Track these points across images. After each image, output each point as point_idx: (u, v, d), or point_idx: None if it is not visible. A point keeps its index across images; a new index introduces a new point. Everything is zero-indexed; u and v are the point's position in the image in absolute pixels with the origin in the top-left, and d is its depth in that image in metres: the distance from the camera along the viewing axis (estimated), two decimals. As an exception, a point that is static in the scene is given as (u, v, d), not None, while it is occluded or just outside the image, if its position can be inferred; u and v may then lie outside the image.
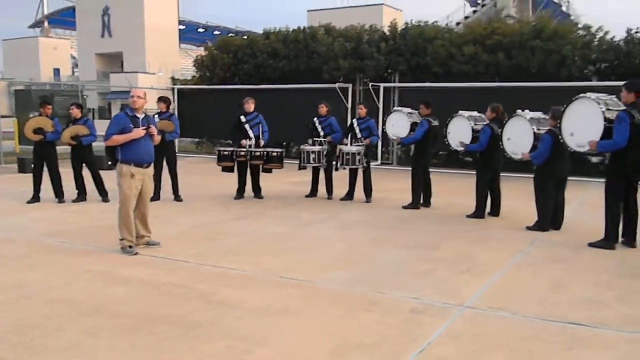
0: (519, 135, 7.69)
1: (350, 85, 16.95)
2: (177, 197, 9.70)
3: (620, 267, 5.85)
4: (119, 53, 40.38)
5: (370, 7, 38.59)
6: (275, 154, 9.72)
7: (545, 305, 4.66)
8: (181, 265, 5.76)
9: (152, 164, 6.41)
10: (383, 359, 3.63)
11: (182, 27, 52.08)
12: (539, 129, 7.55)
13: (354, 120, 9.87)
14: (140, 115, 6.27)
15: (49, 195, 9.43)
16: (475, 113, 8.84)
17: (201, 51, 62.59)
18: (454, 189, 11.34)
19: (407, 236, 7.19)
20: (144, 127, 6.20)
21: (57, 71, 42.98)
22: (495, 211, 8.49)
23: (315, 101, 16.56)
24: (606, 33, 15.11)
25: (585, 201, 9.93)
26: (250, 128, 9.81)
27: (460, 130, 8.60)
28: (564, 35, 14.96)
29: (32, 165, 9.86)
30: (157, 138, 6.40)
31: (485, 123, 8.34)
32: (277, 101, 16.57)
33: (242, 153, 9.57)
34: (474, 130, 8.42)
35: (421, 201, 9.23)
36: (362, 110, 9.82)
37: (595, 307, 4.64)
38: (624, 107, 6.55)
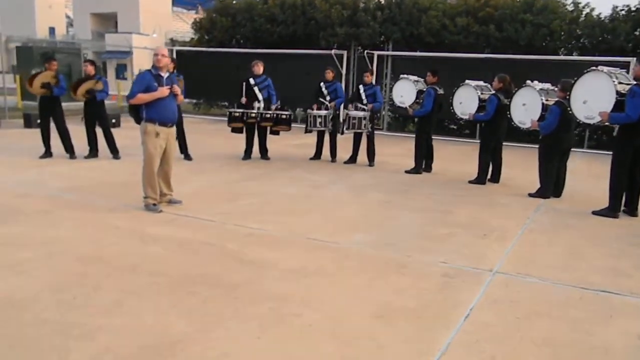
0: (528, 105, 7.44)
1: (345, 52, 16.49)
2: (187, 156, 9.33)
3: (628, 236, 5.70)
4: (113, 13, 38.80)
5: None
6: (284, 116, 9.37)
7: (569, 272, 4.50)
8: (206, 224, 5.47)
9: (175, 124, 6.03)
10: (431, 324, 3.42)
11: (174, -10, 50.31)
12: (547, 100, 7.31)
13: (361, 86, 9.52)
14: (165, 74, 5.86)
15: (59, 151, 8.98)
16: (481, 82, 8.56)
17: (193, 14, 60.85)
18: (449, 155, 11.14)
19: (418, 200, 6.97)
20: (169, 86, 5.80)
21: (52, 30, 41.25)
22: (496, 178, 8.30)
23: (311, 66, 16.30)
24: (592, 10, 14.84)
25: (574, 170, 9.78)
26: (260, 90, 9.41)
27: (467, 99, 8.32)
28: (553, 9, 14.64)
29: (38, 121, 9.36)
30: (181, 97, 6.02)
31: (492, 93, 8.07)
32: (273, 65, 16.06)
33: (253, 115, 9.20)
34: (480, 100, 8.15)
35: (422, 166, 9.00)
36: (368, 77, 9.49)
37: (617, 275, 4.48)
38: (634, 82, 6.34)
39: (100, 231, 5.07)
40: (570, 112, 6.78)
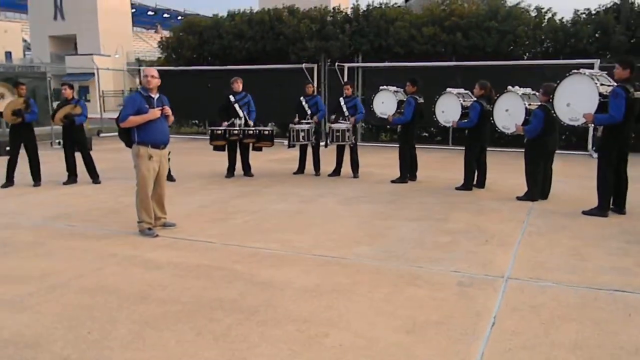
0: (512, 110, 7.55)
1: (315, 66, 16.52)
2: (170, 177, 9.12)
3: (622, 234, 5.79)
4: (72, 35, 38.11)
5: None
6: (267, 132, 9.28)
7: (578, 274, 4.53)
8: (207, 246, 5.33)
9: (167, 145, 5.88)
10: (461, 335, 3.37)
11: (132, 10, 49.77)
12: (529, 104, 7.43)
13: (341, 99, 9.51)
14: (155, 95, 5.72)
15: (23, 179, 8.67)
16: (462, 90, 8.66)
17: (152, 33, 60.16)
18: (429, 163, 11.19)
19: (411, 209, 6.96)
20: (160, 108, 5.66)
21: (8, 54, 40.22)
22: (482, 183, 8.38)
23: (281, 81, 16.27)
24: (554, 14, 15.25)
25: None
26: (240, 107, 9.32)
27: (449, 107, 8.40)
28: (517, 16, 14.99)
29: (8, 148, 9.02)
30: (171, 118, 5.87)
31: (473, 99, 8.16)
32: (243, 81, 15.97)
33: (235, 132, 9.08)
34: (463, 107, 8.23)
35: (408, 175, 9.02)
36: (348, 90, 9.49)
37: (624, 274, 4.53)
38: (615, 83, 6.50)
39: (98, 260, 4.88)
40: (555, 115, 6.90)
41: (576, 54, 14.24)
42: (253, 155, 9.73)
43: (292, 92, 15.74)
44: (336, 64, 15.99)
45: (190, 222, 6.27)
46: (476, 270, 4.59)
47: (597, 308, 3.81)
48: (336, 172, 9.65)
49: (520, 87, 7.73)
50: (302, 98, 9.80)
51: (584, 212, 6.64)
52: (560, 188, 8.16)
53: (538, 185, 7.40)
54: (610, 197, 6.59)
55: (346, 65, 16.06)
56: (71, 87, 8.90)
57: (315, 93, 9.98)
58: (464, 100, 8.30)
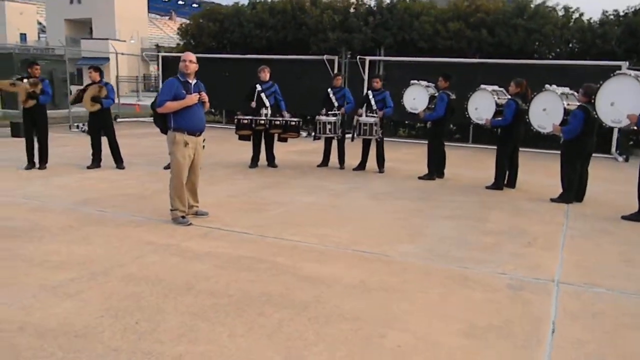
0: (549, 110, 7.37)
1: (336, 58, 16.33)
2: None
3: (667, 240, 5.65)
4: (88, 19, 37.99)
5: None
6: (293, 123, 9.14)
7: (633, 281, 4.37)
8: (243, 237, 5.20)
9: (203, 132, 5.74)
10: (523, 341, 3.23)
11: (147, -4, 49.63)
12: (568, 104, 7.25)
13: (369, 92, 9.34)
14: (192, 81, 5.58)
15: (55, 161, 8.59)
16: (496, 87, 8.48)
17: (166, 20, 60.01)
18: (453, 160, 10.98)
19: (444, 207, 6.81)
20: (197, 93, 5.53)
21: (23, 36, 40.14)
22: (512, 183, 8.21)
23: (302, 72, 16.10)
24: (581, 15, 15.00)
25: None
26: (267, 97, 9.17)
27: (483, 104, 8.22)
28: (544, 14, 14.75)
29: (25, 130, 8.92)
30: (208, 104, 5.74)
31: (509, 97, 7.98)
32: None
33: (262, 121, 8.94)
34: (497, 105, 8.05)
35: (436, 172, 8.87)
36: (377, 83, 9.30)
37: (679, 282, 4.38)
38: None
39: (135, 247, 4.76)
40: (596, 116, 6.73)
41: (603, 55, 14.00)
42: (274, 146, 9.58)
43: (311, 83, 15.65)
44: (357, 57, 15.79)
45: (222, 211, 6.15)
46: (525, 273, 4.44)
47: (659, 318, 3.67)
48: (361, 166, 9.50)
49: (555, 86, 7.55)
50: (329, 90, 9.63)
51: (624, 217, 6.48)
52: (593, 191, 7.96)
53: (573, 188, 7.23)
54: (652, 202, 6.41)
55: (367, 58, 15.84)
56: (97, 69, 8.76)
57: (342, 85, 9.77)
58: (498, 98, 8.13)
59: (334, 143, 9.66)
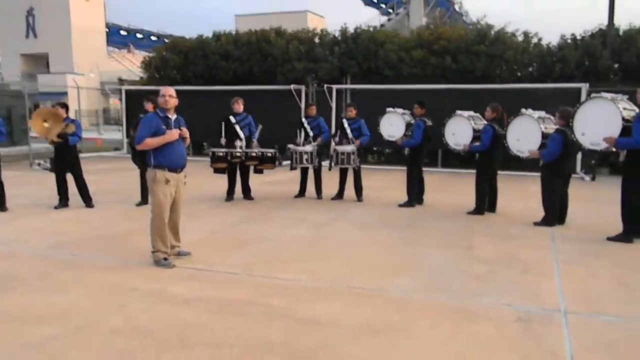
0: (526, 134, 7.39)
1: (303, 87, 16.30)
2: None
3: (656, 260, 5.63)
4: (44, 54, 37.13)
5: (296, 14, 37.75)
6: (269, 154, 8.93)
7: (634, 306, 4.29)
8: (232, 278, 4.92)
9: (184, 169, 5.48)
10: (547, 381, 3.07)
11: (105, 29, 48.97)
12: (545, 128, 7.29)
13: (344, 121, 9.23)
14: (172, 116, 5.34)
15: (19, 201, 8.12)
16: (472, 112, 8.49)
17: (124, 53, 59.31)
18: (427, 185, 10.98)
19: (431, 236, 6.68)
20: (177, 129, 5.28)
21: (-22, 72, 38.96)
22: (492, 208, 8.17)
23: (270, 102, 15.96)
24: (540, 39, 15.40)
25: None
26: (241, 129, 8.96)
27: (460, 130, 8.20)
28: (504, 40, 15.07)
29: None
30: (188, 140, 5.49)
31: (485, 123, 7.99)
32: (228, 102, 15.69)
33: (238, 154, 8.71)
34: (474, 130, 8.05)
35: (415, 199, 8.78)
36: (351, 112, 9.20)
37: (680, 304, 4.32)
38: (636, 108, 6.42)
39: (118, 295, 4.43)
40: (575, 139, 6.76)
41: (563, 78, 14.37)
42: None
43: (280, 113, 15.53)
44: (325, 85, 15.78)
45: (205, 249, 5.85)
46: (529, 303, 4.31)
47: (674, 345, 3.57)
48: (339, 195, 9.34)
49: (531, 110, 7.59)
50: (303, 119, 9.50)
51: (609, 239, 6.47)
52: (571, 212, 7.93)
53: (556, 211, 7.22)
54: (636, 222, 6.42)
55: (334, 87, 15.85)
56: (64, 105, 8.39)
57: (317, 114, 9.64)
58: (474, 124, 8.13)
59: (311, 173, 9.49)
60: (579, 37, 14.97)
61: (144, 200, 8.58)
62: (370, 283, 4.78)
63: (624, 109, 6.39)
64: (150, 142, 5.11)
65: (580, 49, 14.58)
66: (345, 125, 9.16)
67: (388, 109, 9.18)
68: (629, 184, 6.39)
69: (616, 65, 14.58)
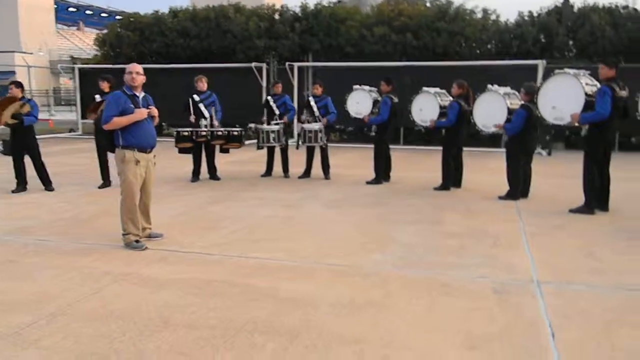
0: (492, 110, 7.50)
1: (264, 65, 16.11)
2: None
3: (618, 231, 5.82)
4: (-11, 31, 35.43)
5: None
6: (236, 133, 8.81)
7: (602, 275, 4.45)
8: (207, 259, 4.85)
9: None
10: (527, 349, 3.15)
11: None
12: (511, 104, 7.42)
13: (311, 99, 9.18)
14: (140, 94, 5.17)
15: None
16: (438, 89, 8.55)
17: (74, 30, 57.15)
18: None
19: (402, 212, 6.75)
20: (146, 107, 5.13)
21: None
22: (458, 183, 8.31)
23: (230, 80, 15.70)
24: (498, 16, 15.63)
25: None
26: (205, 107, 8.80)
27: (427, 107, 8.27)
28: (464, 17, 15.22)
29: None
30: (157, 119, 5.34)
31: (451, 99, 8.07)
32: (188, 81, 15.39)
33: (203, 133, 8.55)
34: (441, 107, 8.12)
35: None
36: (318, 90, 9.15)
37: (643, 272, 4.51)
38: (597, 83, 6.60)
39: (90, 279, 4.31)
40: (539, 114, 6.91)
41: (521, 54, 14.65)
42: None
43: (240, 91, 15.31)
44: (286, 63, 15.62)
45: (176, 231, 5.75)
46: (502, 275, 4.42)
47: (637, 311, 3.72)
48: (306, 173, 9.32)
49: (497, 86, 7.71)
50: (269, 97, 9.40)
51: (571, 210, 6.67)
52: (532, 186, 8.16)
53: (519, 185, 7.40)
54: (596, 194, 6.63)
55: (296, 64, 15.72)
56: (19, 84, 8.02)
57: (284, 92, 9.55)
58: (441, 100, 8.20)
59: (277, 151, 9.42)
60: (535, 14, 15.25)
61: (105, 182, 8.37)
62: (346, 260, 4.80)
63: (586, 84, 6.56)
64: (119, 121, 4.95)
65: (537, 26, 14.87)
66: (312, 103, 9.11)
67: (355, 86, 9.16)
68: (590, 157, 6.58)
69: (571, 42, 14.96)
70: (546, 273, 4.48)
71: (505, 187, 7.56)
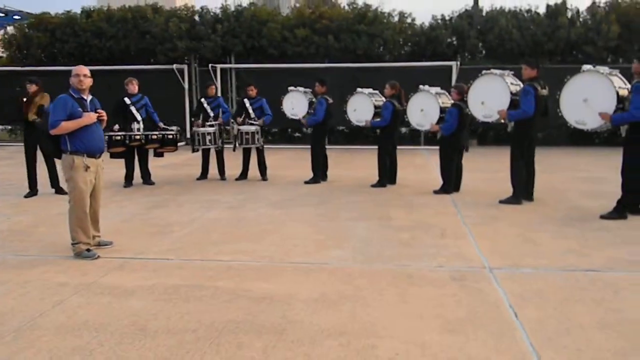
0: (426, 109, 7.85)
1: (185, 67, 15.80)
2: (60, 190, 8.02)
3: (548, 219, 6.31)
4: None
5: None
6: (171, 136, 8.60)
7: (545, 258, 4.81)
8: (166, 265, 4.75)
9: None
10: (497, 329, 3.38)
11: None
12: (443, 102, 7.79)
13: (246, 100, 9.14)
14: (88, 97, 4.96)
15: None
16: (371, 90, 8.80)
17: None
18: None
19: (347, 209, 6.91)
20: (94, 111, 4.93)
21: None
22: (393, 180, 8.61)
23: (150, 82, 15.20)
24: (414, 20, 16.23)
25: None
26: (137, 110, 8.53)
27: (361, 107, 8.49)
28: (382, 20, 15.68)
29: None
30: (105, 123, 5.14)
31: (385, 99, 8.34)
32: (105, 82, 14.79)
33: (137, 137, 8.28)
34: (375, 107, 8.37)
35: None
36: (252, 91, 9.14)
37: (579, 255, 4.90)
38: (520, 83, 7.09)
39: (47, 292, 4.09)
40: (469, 112, 7.32)
41: (436, 56, 15.35)
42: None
43: (161, 93, 14.89)
44: (209, 65, 15.39)
45: (124, 238, 5.56)
46: (457, 263, 4.68)
47: (586, 289, 4.08)
48: (244, 175, 9.27)
49: (428, 86, 8.07)
50: (202, 99, 9.26)
51: (501, 201, 7.13)
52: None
53: (452, 179, 7.80)
54: (523, 186, 7.12)
55: (218, 66, 15.54)
56: (37, 82, 7.76)
57: (217, 94, 9.45)
58: (375, 100, 8.45)
59: (212, 153, 9.29)
60: (447, 18, 15.99)
61: (33, 191, 7.92)
62: (309, 258, 4.88)
63: (511, 83, 7.04)
64: (67, 126, 4.73)
65: (449, 29, 15.61)
66: (247, 104, 9.08)
67: (290, 88, 9.23)
68: (515, 152, 7.06)
69: (481, 44, 15.84)
70: (495, 259, 4.79)
71: (434, 182, 7.95)
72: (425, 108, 7.87)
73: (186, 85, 15.85)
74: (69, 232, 4.96)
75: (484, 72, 7.23)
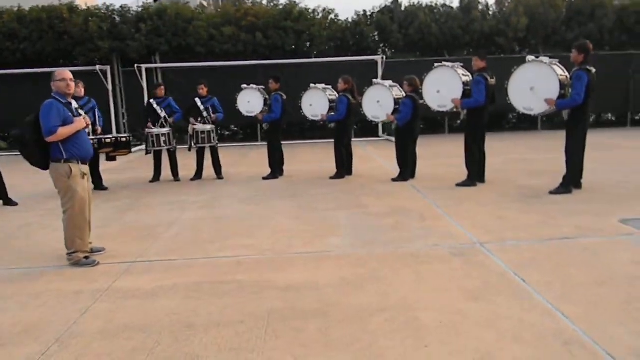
0: (381, 101, 8.24)
1: (109, 68, 15.26)
2: (8, 201, 7.63)
3: (505, 197, 6.92)
4: None
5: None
6: (124, 139, 8.40)
7: (522, 231, 5.33)
8: (174, 265, 4.76)
9: (91, 159, 5.03)
10: (515, 294, 3.78)
11: None
12: (397, 95, 8.22)
13: (197, 100, 9.09)
14: (73, 102, 4.85)
15: None
16: (325, 85, 9.06)
17: None
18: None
19: (321, 201, 7.14)
20: (84, 116, 4.85)
21: None
22: (350, 171, 8.95)
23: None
24: (337, 16, 16.69)
25: (390, 155, 11.13)
26: (85, 114, 8.19)
27: (316, 102, 8.74)
28: (307, 17, 15.98)
29: None
30: (89, 128, 5.04)
31: (339, 94, 8.63)
32: (19, 87, 14.04)
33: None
34: (330, 101, 8.65)
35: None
36: (203, 90, 9.11)
37: (549, 227, 5.47)
38: (469, 74, 7.67)
39: (69, 301, 4.00)
40: (423, 103, 7.79)
41: (362, 50, 15.90)
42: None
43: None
44: (135, 65, 14.96)
45: (114, 244, 5.47)
46: (449, 242, 5.08)
47: (569, 254, 4.61)
48: (199, 175, 9.24)
49: (381, 79, 8.48)
50: (152, 100, 9.09)
51: (458, 184, 7.67)
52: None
53: (409, 167, 8.26)
54: (477, 169, 7.70)
55: (144, 66, 15.15)
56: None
57: (167, 95, 9.31)
58: (330, 95, 8.73)
59: (165, 155, 9.17)
60: (369, 13, 16.58)
61: (5, 201, 7.54)
62: (310, 247, 5.08)
63: (463, 75, 7.58)
64: (63, 132, 4.60)
65: (373, 24, 16.21)
66: (199, 104, 9.04)
67: (243, 86, 9.29)
68: (469, 138, 7.63)
69: (402, 38, 16.58)
70: (482, 235, 5.24)
71: (384, 171, 8.40)
72: (380, 100, 8.25)
73: (110, 87, 15.31)
74: (65, 242, 4.82)
75: (436, 64, 7.72)
